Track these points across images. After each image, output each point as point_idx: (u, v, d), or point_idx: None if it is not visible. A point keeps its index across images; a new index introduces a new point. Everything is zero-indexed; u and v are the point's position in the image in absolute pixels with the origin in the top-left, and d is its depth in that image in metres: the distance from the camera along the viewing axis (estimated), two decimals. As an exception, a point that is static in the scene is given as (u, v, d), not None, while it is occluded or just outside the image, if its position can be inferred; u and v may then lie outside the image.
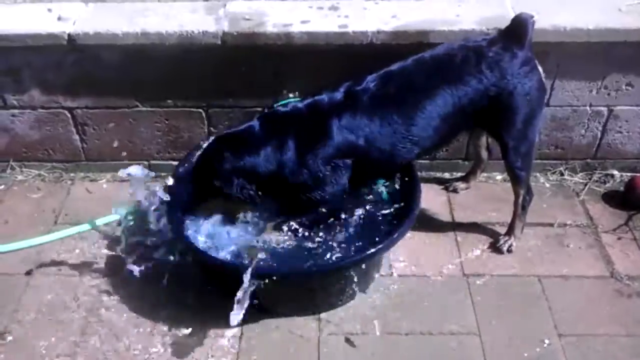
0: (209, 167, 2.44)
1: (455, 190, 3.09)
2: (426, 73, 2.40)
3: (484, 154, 2.98)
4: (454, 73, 2.38)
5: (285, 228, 2.54)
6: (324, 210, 2.52)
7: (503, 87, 2.40)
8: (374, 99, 2.38)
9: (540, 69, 2.51)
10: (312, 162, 2.39)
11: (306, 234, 2.51)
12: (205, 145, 2.60)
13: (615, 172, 3.17)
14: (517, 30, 2.45)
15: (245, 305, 2.21)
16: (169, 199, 2.48)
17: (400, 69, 2.43)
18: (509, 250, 2.75)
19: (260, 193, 2.45)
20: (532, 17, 2.47)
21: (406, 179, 2.65)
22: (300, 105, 2.46)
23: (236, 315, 2.20)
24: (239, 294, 2.19)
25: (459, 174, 3.19)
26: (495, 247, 2.77)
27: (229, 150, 2.42)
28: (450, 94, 2.38)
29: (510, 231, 2.78)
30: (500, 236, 2.80)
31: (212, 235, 2.50)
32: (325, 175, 2.41)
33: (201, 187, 2.48)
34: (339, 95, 2.42)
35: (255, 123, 2.46)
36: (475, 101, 2.41)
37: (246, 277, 2.18)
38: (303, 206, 2.51)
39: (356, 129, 2.37)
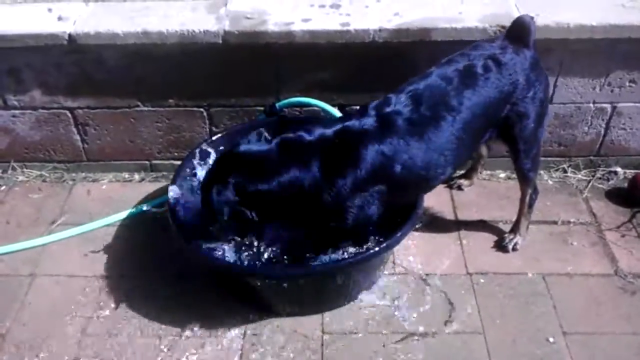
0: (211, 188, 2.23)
1: (459, 188, 3.08)
2: (453, 88, 2.30)
3: (484, 150, 2.98)
4: (478, 84, 2.32)
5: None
6: (347, 246, 2.40)
7: (519, 93, 2.39)
8: (409, 122, 2.25)
9: (543, 68, 2.51)
10: (343, 187, 2.21)
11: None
12: (215, 159, 2.43)
13: (619, 169, 3.16)
14: (520, 32, 2.44)
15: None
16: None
17: (426, 87, 2.30)
18: (514, 249, 2.74)
19: (258, 218, 2.26)
20: (532, 17, 2.48)
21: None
22: (328, 132, 2.26)
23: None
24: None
25: (462, 173, 3.18)
26: (500, 246, 2.76)
27: (238, 175, 2.20)
28: (479, 107, 2.33)
29: (515, 229, 2.77)
30: (506, 234, 2.79)
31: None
32: (352, 199, 2.25)
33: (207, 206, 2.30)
34: (370, 119, 2.25)
35: (273, 148, 2.25)
36: (500, 109, 2.40)
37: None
38: (324, 239, 2.41)
39: (394, 155, 2.23)
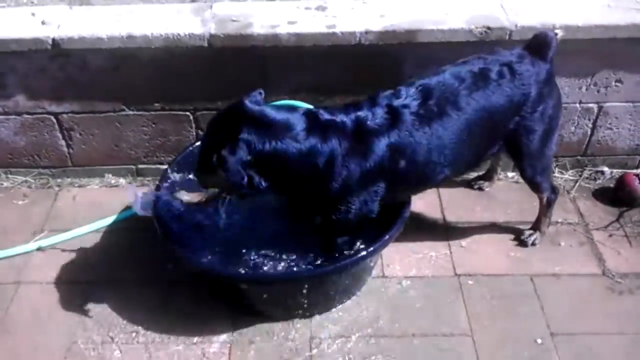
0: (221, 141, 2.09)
1: (480, 189, 3.09)
2: (465, 88, 2.30)
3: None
4: (491, 88, 2.32)
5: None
6: (341, 237, 2.39)
7: (529, 107, 2.39)
8: (417, 116, 2.24)
9: (557, 85, 2.52)
10: (349, 175, 2.19)
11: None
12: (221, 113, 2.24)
13: (606, 169, 3.17)
14: (540, 45, 2.44)
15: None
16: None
17: (438, 83, 2.30)
18: (533, 244, 2.76)
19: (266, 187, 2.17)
20: (556, 34, 2.48)
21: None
22: (345, 118, 2.22)
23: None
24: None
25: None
26: (520, 240, 2.78)
27: (251, 132, 2.06)
28: (489, 110, 2.32)
29: (536, 226, 2.79)
30: (526, 230, 2.80)
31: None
32: (357, 191, 2.24)
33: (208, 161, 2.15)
34: (380, 111, 2.24)
35: (298, 114, 2.18)
36: (508, 119, 2.39)
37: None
38: (323, 227, 2.38)
39: (401, 147, 2.23)
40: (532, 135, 2.45)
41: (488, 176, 3.10)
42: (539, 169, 2.57)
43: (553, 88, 2.47)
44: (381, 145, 2.21)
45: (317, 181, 2.19)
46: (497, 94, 2.33)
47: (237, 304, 2.50)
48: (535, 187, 2.66)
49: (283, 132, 2.10)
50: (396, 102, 2.26)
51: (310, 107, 2.81)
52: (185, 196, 2.44)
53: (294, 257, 2.48)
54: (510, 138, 2.46)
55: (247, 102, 2.14)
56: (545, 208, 2.73)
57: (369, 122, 2.22)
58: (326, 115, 2.22)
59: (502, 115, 2.37)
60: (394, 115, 2.24)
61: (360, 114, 2.24)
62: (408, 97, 2.27)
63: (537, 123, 2.43)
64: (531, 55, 2.42)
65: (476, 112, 2.30)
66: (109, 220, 2.91)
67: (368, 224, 2.37)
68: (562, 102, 2.57)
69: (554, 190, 2.71)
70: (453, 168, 2.41)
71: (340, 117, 2.22)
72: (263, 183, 2.14)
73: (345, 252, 2.38)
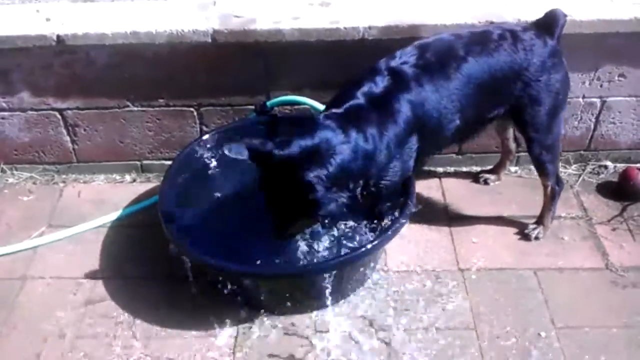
0: (301, 196, 2.13)
1: (486, 182, 3.09)
2: (463, 43, 2.36)
3: (512, 145, 2.98)
4: (491, 45, 2.36)
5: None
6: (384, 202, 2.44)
7: (532, 74, 2.40)
8: (417, 67, 2.31)
9: (565, 62, 2.51)
10: (388, 144, 2.26)
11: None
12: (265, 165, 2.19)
13: (609, 163, 3.18)
14: (549, 22, 2.47)
15: None
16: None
17: (435, 39, 2.41)
18: (537, 238, 2.76)
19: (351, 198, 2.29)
20: (566, 15, 2.51)
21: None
22: (359, 97, 2.28)
23: None
24: None
25: (453, 169, 3.19)
26: (523, 234, 2.78)
27: (310, 171, 2.12)
28: (487, 63, 2.35)
29: (540, 220, 2.79)
30: (530, 224, 2.80)
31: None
32: (398, 153, 2.31)
33: (288, 213, 2.26)
34: (384, 76, 2.30)
35: (323, 124, 2.21)
36: (508, 79, 2.40)
37: None
38: (370, 198, 2.40)
39: (413, 100, 2.29)
40: (538, 106, 2.46)
41: (496, 170, 3.10)
42: (546, 145, 2.56)
43: (558, 64, 2.46)
44: (399, 101, 2.27)
45: (367, 166, 2.26)
46: (496, 51, 2.36)
47: (241, 297, 2.51)
48: (541, 167, 2.65)
49: (329, 151, 2.16)
50: (393, 63, 2.33)
51: (315, 104, 2.85)
52: None
53: (297, 252, 2.49)
54: (515, 105, 2.47)
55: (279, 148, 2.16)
56: (550, 200, 2.73)
57: (378, 89, 2.28)
58: (338, 111, 2.26)
59: (503, 75, 2.38)
60: (396, 75, 2.30)
61: (369, 85, 2.30)
62: (404, 55, 2.35)
63: (541, 93, 2.44)
64: (538, 30, 2.44)
65: (476, 63, 2.34)
66: (114, 215, 2.92)
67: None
68: (569, 82, 2.56)
69: (559, 181, 2.71)
70: (461, 117, 2.40)
71: (356, 100, 2.27)
72: (344, 196, 2.23)
73: (387, 219, 2.43)
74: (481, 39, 2.38)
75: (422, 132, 2.35)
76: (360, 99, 2.27)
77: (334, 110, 2.28)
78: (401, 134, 2.29)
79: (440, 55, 2.35)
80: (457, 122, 2.40)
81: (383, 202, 2.46)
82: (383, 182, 2.36)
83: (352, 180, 2.25)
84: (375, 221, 2.48)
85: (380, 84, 2.29)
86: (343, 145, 2.18)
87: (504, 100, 2.47)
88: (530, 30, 2.43)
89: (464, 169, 3.19)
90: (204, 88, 2.94)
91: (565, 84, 2.53)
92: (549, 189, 2.70)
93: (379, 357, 2.33)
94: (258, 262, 2.46)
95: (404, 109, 2.28)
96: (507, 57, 2.37)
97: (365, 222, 2.52)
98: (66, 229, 2.86)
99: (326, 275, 2.34)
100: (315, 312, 2.49)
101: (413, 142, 2.35)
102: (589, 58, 2.86)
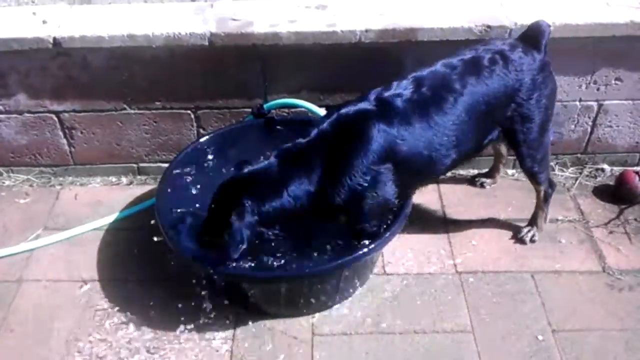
0: (226, 215, 2.20)
1: (482, 186, 3.10)
2: (457, 73, 2.33)
3: (503, 149, 2.98)
4: (483, 72, 2.34)
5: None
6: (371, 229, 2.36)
7: (524, 94, 2.40)
8: (410, 102, 2.27)
9: (553, 73, 2.52)
10: (351, 171, 2.21)
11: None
12: (220, 188, 2.31)
13: (606, 166, 3.18)
14: (534, 35, 2.46)
15: None
16: None
17: (430, 72, 2.35)
18: (532, 241, 2.77)
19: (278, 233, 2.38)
20: (550, 26, 2.51)
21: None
22: (324, 125, 2.28)
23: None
24: None
25: (449, 172, 3.18)
26: (517, 238, 2.78)
27: (248, 196, 2.21)
28: (481, 93, 2.34)
29: (533, 222, 2.79)
30: (523, 227, 2.81)
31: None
32: (366, 188, 2.24)
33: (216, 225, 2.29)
34: (368, 104, 2.28)
35: (273, 160, 2.28)
36: (502, 103, 2.40)
37: None
38: (349, 223, 2.38)
39: (395, 134, 2.23)
40: (529, 123, 2.46)
41: (491, 174, 3.11)
42: (538, 159, 2.57)
43: (547, 77, 2.47)
44: (373, 130, 2.22)
45: (321, 203, 2.26)
46: (490, 79, 2.35)
47: (239, 301, 2.50)
48: (533, 177, 2.66)
49: (271, 186, 2.23)
50: (386, 94, 2.30)
51: (312, 107, 2.85)
52: None
53: (297, 255, 2.48)
54: (508, 126, 2.47)
55: (245, 169, 2.30)
56: (542, 202, 2.74)
57: (350, 116, 2.26)
58: (302, 140, 2.28)
59: (497, 100, 2.38)
60: (383, 105, 2.27)
61: (341, 112, 2.28)
62: (399, 88, 2.31)
63: (533, 111, 2.44)
64: (524, 45, 2.44)
65: (471, 94, 2.32)
66: (111, 218, 2.92)
67: (391, 211, 2.39)
68: (556, 93, 2.57)
69: (551, 184, 2.72)
70: (458, 151, 2.39)
71: (321, 128, 2.27)
72: (271, 234, 2.34)
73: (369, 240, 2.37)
74: (474, 68, 2.35)
75: (408, 167, 2.30)
76: (326, 126, 2.27)
77: (299, 141, 2.29)
78: (367, 162, 2.22)
79: (435, 88, 2.30)
80: (454, 156, 2.39)
81: (365, 225, 2.37)
82: (356, 212, 2.30)
83: (292, 215, 2.26)
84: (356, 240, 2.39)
85: (362, 109, 2.27)
86: (282, 189, 2.22)
87: (497, 124, 2.47)
88: (517, 48, 2.41)
89: (461, 172, 3.19)
90: (201, 91, 2.94)
91: (554, 95, 2.54)
92: (542, 193, 2.71)
93: (376, 360, 2.33)
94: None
95: (378, 139, 2.22)
96: (500, 82, 2.36)
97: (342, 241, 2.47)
98: (63, 231, 2.86)
99: (325, 278, 2.34)
100: (312, 316, 2.49)
101: (387, 169, 2.26)
102: (586, 62, 2.87)
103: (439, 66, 2.36)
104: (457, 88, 2.31)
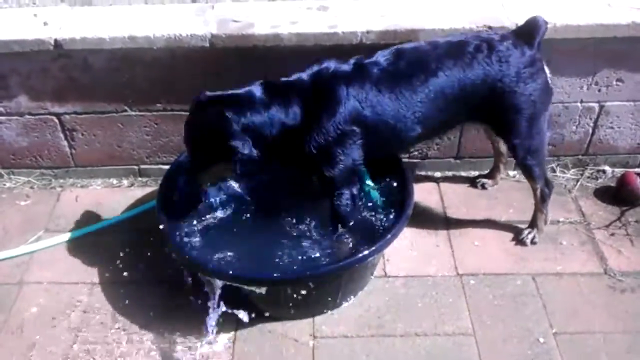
0: (216, 130, 2.25)
1: (483, 187, 3.10)
2: (438, 54, 2.38)
3: (503, 148, 2.97)
4: (464, 58, 2.38)
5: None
6: (342, 198, 2.43)
7: (506, 85, 2.41)
8: (384, 72, 2.35)
9: (547, 70, 2.51)
10: (319, 127, 2.30)
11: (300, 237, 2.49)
12: (194, 108, 2.38)
13: (607, 168, 3.18)
14: (529, 30, 2.47)
15: (219, 310, 2.33)
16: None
17: (412, 48, 2.44)
18: (533, 242, 2.76)
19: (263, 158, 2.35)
20: (547, 22, 2.51)
21: (398, 180, 2.64)
22: (303, 75, 2.37)
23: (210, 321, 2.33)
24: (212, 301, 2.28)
25: (451, 173, 3.19)
26: (518, 240, 2.78)
27: (230, 110, 2.26)
28: (457, 78, 2.37)
29: (533, 223, 2.79)
30: (524, 229, 2.80)
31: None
32: (332, 143, 2.32)
33: (204, 154, 2.34)
34: (347, 66, 2.37)
35: (255, 87, 2.35)
36: (480, 91, 2.41)
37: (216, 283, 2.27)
38: (321, 187, 2.44)
39: (365, 99, 2.32)
40: (515, 114, 2.47)
41: (492, 175, 3.10)
42: (530, 150, 2.56)
43: (537, 73, 2.46)
44: (344, 92, 2.31)
45: (294, 141, 2.32)
46: (469, 65, 2.38)
47: (239, 304, 2.50)
48: (527, 171, 2.66)
49: (252, 105, 2.29)
50: (366, 60, 2.39)
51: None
52: None
53: (295, 257, 2.48)
54: (492, 116, 2.51)
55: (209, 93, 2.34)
56: (540, 203, 2.73)
57: (329, 74, 2.34)
58: (283, 79, 2.38)
59: (473, 87, 2.39)
60: (360, 70, 2.35)
61: (322, 67, 2.37)
62: (379, 57, 2.39)
63: (518, 103, 2.44)
64: (517, 38, 2.44)
65: (445, 77, 2.36)
66: (111, 220, 2.92)
67: (360, 174, 2.50)
68: (549, 89, 2.56)
69: (548, 183, 2.71)
70: (423, 126, 2.43)
71: (300, 76, 2.37)
72: (254, 152, 2.29)
73: (349, 208, 2.45)
74: (456, 51, 2.39)
75: (375, 132, 2.37)
76: (305, 77, 2.36)
77: (281, 79, 2.38)
78: (337, 120, 2.30)
79: (411, 65, 2.38)
80: (419, 130, 2.44)
81: (336, 189, 2.43)
82: (325, 169, 2.36)
83: (265, 144, 2.30)
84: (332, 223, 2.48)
85: (340, 68, 2.35)
86: (261, 108, 2.28)
87: (476, 110, 2.48)
88: (508, 40, 2.42)
89: (462, 174, 3.19)
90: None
91: (545, 91, 2.52)
92: (538, 191, 2.70)
93: (377, 362, 2.33)
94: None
95: (347, 101, 2.31)
96: (480, 70, 2.38)
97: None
98: (63, 233, 2.86)
99: (326, 280, 2.34)
100: (313, 318, 2.49)
101: (354, 132, 2.34)
102: (587, 63, 2.86)
103: (423, 42, 2.46)
104: (431, 67, 2.36)
